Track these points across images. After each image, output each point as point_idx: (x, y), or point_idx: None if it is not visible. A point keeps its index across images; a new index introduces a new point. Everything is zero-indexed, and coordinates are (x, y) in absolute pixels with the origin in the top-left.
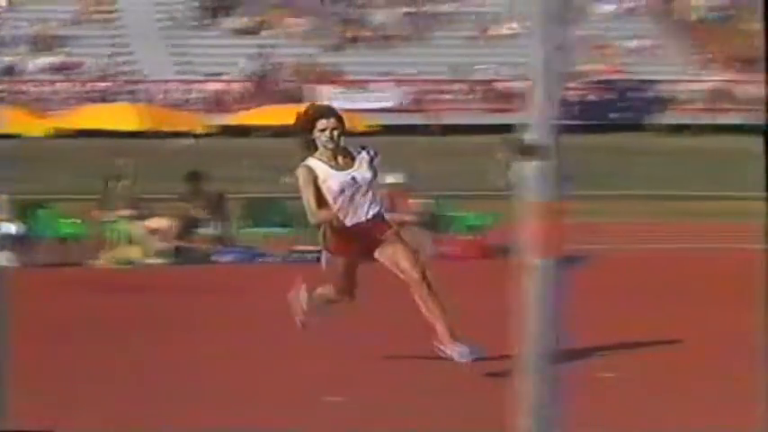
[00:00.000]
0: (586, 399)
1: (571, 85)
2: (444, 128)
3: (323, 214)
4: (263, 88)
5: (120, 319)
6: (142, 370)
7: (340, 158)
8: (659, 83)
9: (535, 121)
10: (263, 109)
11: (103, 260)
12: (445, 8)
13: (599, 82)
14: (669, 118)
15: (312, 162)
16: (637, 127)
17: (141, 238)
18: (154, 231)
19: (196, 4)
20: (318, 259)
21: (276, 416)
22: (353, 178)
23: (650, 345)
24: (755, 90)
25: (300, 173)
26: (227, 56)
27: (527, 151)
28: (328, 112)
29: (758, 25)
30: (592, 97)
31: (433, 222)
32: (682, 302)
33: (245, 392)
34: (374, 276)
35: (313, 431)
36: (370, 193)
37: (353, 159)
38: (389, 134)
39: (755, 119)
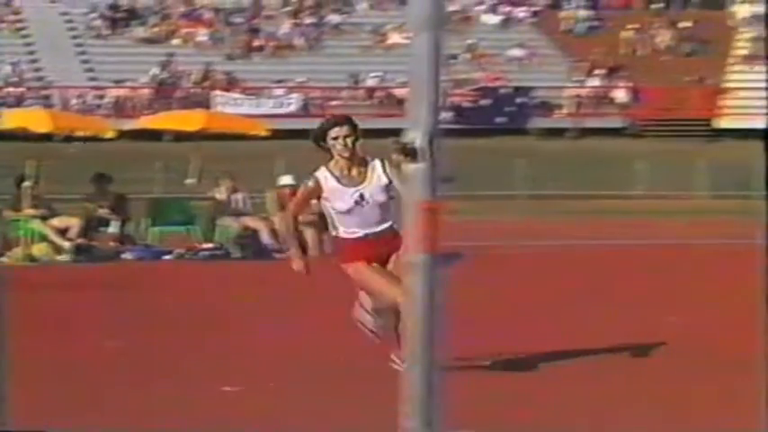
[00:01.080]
0: (467, 389)
1: (458, 91)
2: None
3: (287, 223)
4: (169, 94)
5: (23, 315)
6: (41, 366)
7: (354, 170)
8: (540, 89)
9: (416, 125)
10: (168, 114)
11: (9, 258)
12: (342, 19)
13: (484, 89)
14: (549, 122)
15: (323, 174)
16: (520, 131)
17: (48, 236)
18: (60, 230)
19: (106, 14)
20: (212, 257)
21: (174, 407)
22: (361, 196)
23: (532, 336)
24: (626, 95)
25: (307, 183)
26: (135, 63)
27: (409, 153)
28: (342, 120)
29: (626, 34)
30: (479, 103)
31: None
32: (560, 296)
33: (144, 385)
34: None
35: (212, 421)
36: (381, 207)
37: (368, 171)
38: (288, 138)
39: (627, 122)
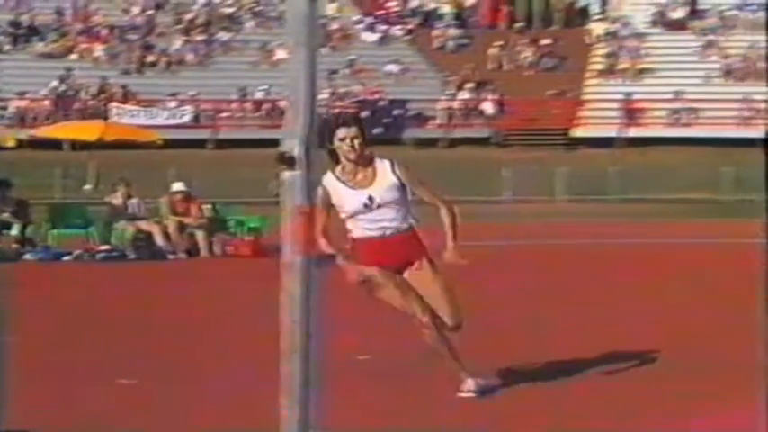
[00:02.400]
0: (344, 381)
1: (339, 103)
2: (228, 141)
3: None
4: (68, 106)
5: None
6: None
7: (361, 173)
8: (414, 102)
9: (292, 135)
10: (67, 124)
11: None
12: (230, 36)
13: (363, 101)
14: (423, 132)
15: (328, 180)
16: (396, 141)
17: None
18: None
19: (8, 30)
20: (109, 258)
21: (71, 398)
22: (370, 198)
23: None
24: (493, 107)
25: (316, 194)
26: (35, 77)
27: (286, 162)
28: (349, 120)
29: (493, 51)
30: (359, 115)
31: (218, 225)
32: None
33: (38, 380)
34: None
35: (105, 413)
36: (394, 208)
37: (376, 172)
38: (180, 147)
39: (493, 132)
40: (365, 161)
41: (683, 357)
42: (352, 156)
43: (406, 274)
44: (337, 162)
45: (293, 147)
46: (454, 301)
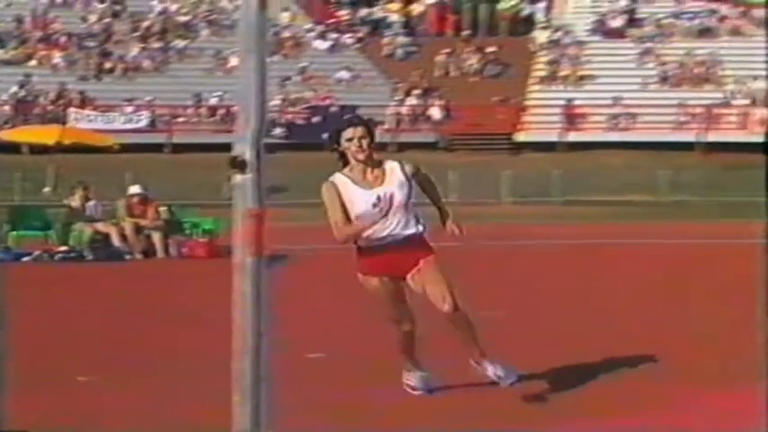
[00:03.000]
0: (296, 377)
1: (291, 110)
2: (184, 146)
3: (347, 230)
4: (27, 111)
5: None
6: None
7: (370, 173)
8: (364, 107)
9: (243, 140)
10: (26, 128)
11: None
12: (186, 44)
13: (315, 107)
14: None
15: (337, 178)
16: None
17: None
18: None
19: None
20: (67, 259)
21: (29, 396)
22: (378, 197)
23: (347, 330)
24: (439, 112)
25: (324, 189)
26: None
27: (237, 166)
28: (355, 120)
29: (440, 58)
30: (310, 120)
31: (173, 227)
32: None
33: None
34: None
35: (64, 410)
36: (402, 211)
37: (385, 173)
38: (136, 151)
39: (440, 137)
40: (374, 162)
41: (628, 356)
42: (360, 156)
43: (408, 277)
44: (346, 164)
45: (244, 151)
46: (449, 287)
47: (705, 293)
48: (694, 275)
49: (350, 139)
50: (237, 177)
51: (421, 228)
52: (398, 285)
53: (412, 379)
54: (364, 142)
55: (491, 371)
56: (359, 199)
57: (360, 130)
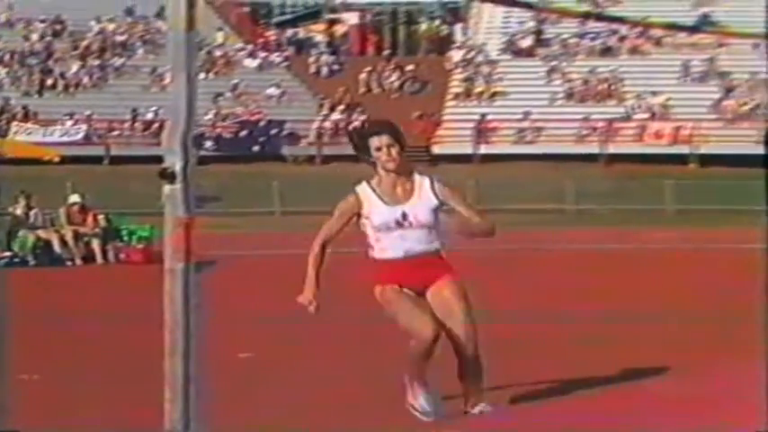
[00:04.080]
0: (226, 376)
1: (223, 124)
2: (121, 158)
3: (310, 261)
4: None
5: None
6: None
7: (399, 187)
8: (291, 122)
9: (172, 152)
10: None
11: None
12: (123, 62)
13: (245, 122)
14: (299, 150)
15: (364, 190)
16: (275, 157)
17: None
18: None
19: None
20: (11, 264)
21: None
22: (404, 215)
23: (280, 331)
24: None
25: (344, 200)
26: None
27: (166, 176)
28: (381, 127)
29: (362, 76)
30: (239, 134)
31: (111, 234)
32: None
33: None
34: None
35: (6, 406)
36: (425, 230)
37: (413, 187)
38: (75, 162)
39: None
40: (405, 172)
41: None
42: (390, 165)
43: (428, 294)
44: (377, 173)
45: (174, 162)
46: (468, 319)
47: (610, 294)
48: (599, 278)
49: (378, 149)
50: (167, 188)
51: (440, 244)
52: (418, 297)
53: (419, 400)
54: (393, 151)
55: (478, 409)
56: (382, 213)
57: (384, 138)
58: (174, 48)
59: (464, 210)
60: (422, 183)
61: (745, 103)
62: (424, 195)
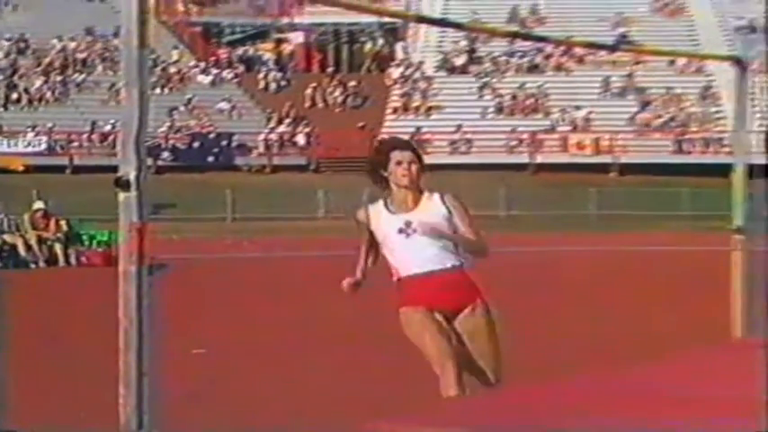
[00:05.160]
0: (180, 372)
1: (177, 136)
2: (82, 167)
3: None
4: None
5: None
6: None
7: (410, 198)
8: (241, 134)
9: (127, 162)
10: None
11: None
12: (83, 78)
13: (197, 134)
14: (249, 160)
15: (374, 207)
16: (227, 167)
17: None
18: None
19: None
20: None
21: None
22: (407, 223)
23: (229, 328)
24: (308, 139)
25: (356, 214)
26: None
27: (120, 185)
28: (404, 144)
29: (308, 91)
30: (193, 145)
31: (73, 238)
32: (256, 298)
33: None
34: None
35: None
36: (435, 242)
37: (420, 200)
38: (39, 172)
39: (309, 160)
40: (416, 188)
41: None
42: (405, 181)
43: (456, 322)
44: (386, 188)
45: (128, 172)
46: (498, 357)
47: (538, 291)
48: (529, 277)
49: (399, 163)
50: (122, 195)
51: (460, 261)
52: (443, 323)
53: None
54: (413, 167)
55: None
56: (385, 222)
57: (407, 155)
58: (127, 64)
59: (465, 227)
60: (431, 196)
61: (660, 116)
62: (432, 206)
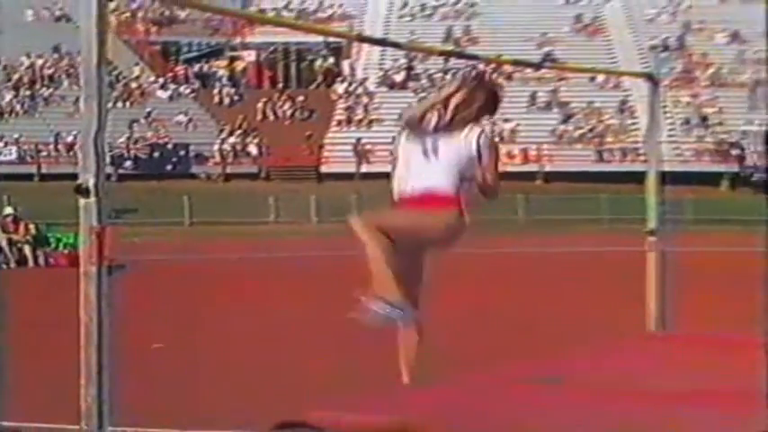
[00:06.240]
0: (140, 364)
1: (137, 146)
2: (49, 175)
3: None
4: None
5: None
6: None
7: (440, 127)
8: (197, 145)
9: (87, 170)
10: None
11: None
12: (50, 92)
13: (156, 144)
14: (204, 169)
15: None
16: (184, 175)
17: None
18: None
19: None
20: None
21: None
22: (435, 145)
23: (186, 324)
24: (259, 149)
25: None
26: None
27: (81, 191)
28: (460, 79)
29: (259, 105)
30: (152, 155)
31: (41, 241)
32: (211, 295)
33: None
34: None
35: None
36: (448, 170)
37: (456, 132)
38: (8, 180)
39: (260, 168)
40: (453, 125)
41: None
42: (442, 113)
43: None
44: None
45: (88, 179)
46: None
47: (474, 291)
48: (463, 279)
49: (452, 96)
50: (82, 201)
51: (456, 187)
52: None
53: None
54: (453, 101)
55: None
56: (415, 140)
57: (462, 94)
58: (87, 80)
59: (488, 164)
60: (470, 130)
61: (581, 128)
62: (464, 138)
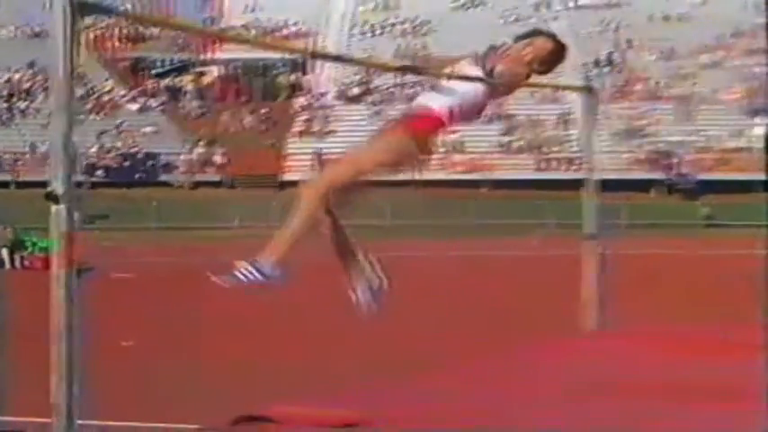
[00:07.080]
0: (111, 360)
1: (108, 156)
2: (26, 183)
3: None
4: None
5: None
6: None
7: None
8: (165, 155)
9: (56, 178)
10: None
11: None
12: (26, 105)
13: (126, 154)
14: (172, 177)
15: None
16: (153, 183)
17: None
18: None
19: None
20: None
21: None
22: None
23: (154, 324)
24: (223, 158)
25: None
26: None
27: (51, 198)
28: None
29: (224, 117)
30: (123, 164)
31: (18, 245)
32: (177, 296)
33: None
34: None
35: None
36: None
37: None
38: None
39: (223, 177)
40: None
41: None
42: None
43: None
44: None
45: (57, 187)
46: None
47: (424, 293)
48: (414, 281)
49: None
50: (53, 208)
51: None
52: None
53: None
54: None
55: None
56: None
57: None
58: (57, 93)
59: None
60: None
61: (523, 139)
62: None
